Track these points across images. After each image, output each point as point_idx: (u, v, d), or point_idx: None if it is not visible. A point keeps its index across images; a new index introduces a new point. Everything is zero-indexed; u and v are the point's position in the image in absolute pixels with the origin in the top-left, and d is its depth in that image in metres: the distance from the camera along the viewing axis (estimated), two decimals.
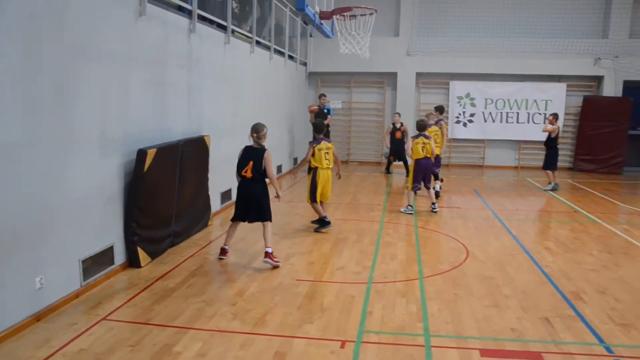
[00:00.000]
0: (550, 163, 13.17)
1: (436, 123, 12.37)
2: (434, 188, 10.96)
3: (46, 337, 4.66)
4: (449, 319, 5.30)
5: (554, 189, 13.07)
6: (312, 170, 8.55)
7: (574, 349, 4.69)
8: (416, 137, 10.11)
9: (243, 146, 7.02)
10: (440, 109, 12.66)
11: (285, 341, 4.76)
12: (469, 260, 7.23)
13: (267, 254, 6.76)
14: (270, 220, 6.94)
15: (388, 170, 15.67)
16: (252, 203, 6.86)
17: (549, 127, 13.16)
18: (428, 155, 10.01)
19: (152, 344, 4.60)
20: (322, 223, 8.67)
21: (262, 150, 6.81)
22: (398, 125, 14.93)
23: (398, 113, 15.35)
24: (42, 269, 5.04)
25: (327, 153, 8.54)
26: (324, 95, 15.47)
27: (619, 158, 16.68)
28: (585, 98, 16.91)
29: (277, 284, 6.18)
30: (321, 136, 8.62)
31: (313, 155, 8.46)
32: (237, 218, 7.00)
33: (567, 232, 8.95)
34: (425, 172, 10.11)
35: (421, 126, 10.15)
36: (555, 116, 13.34)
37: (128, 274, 6.37)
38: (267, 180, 6.91)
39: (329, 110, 14.94)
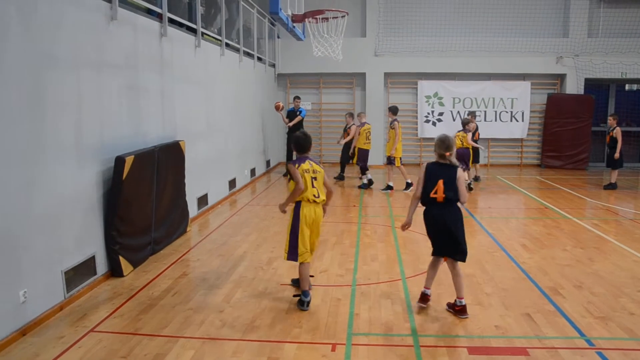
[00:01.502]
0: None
1: (390, 123, 12.61)
2: (369, 180, 13.36)
3: (34, 352, 4.59)
4: (434, 319, 5.40)
5: (476, 179, 14.28)
6: (294, 206, 5.75)
7: (557, 344, 4.84)
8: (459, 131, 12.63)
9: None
10: (393, 110, 12.91)
11: (276, 346, 4.78)
12: (448, 259, 7.32)
13: (460, 309, 5.46)
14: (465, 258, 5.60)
15: (341, 177, 14.62)
16: (449, 233, 5.45)
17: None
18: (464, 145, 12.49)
19: (144, 355, 4.57)
20: (299, 300, 5.72)
21: (454, 167, 5.47)
22: (348, 127, 14.23)
23: (350, 113, 14.62)
24: (25, 282, 4.95)
25: (315, 179, 5.69)
26: (299, 98, 15.41)
27: (584, 154, 17.15)
28: (549, 96, 17.34)
29: (262, 289, 6.19)
30: (306, 154, 5.82)
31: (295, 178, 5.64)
32: (439, 252, 5.64)
33: (540, 228, 9.19)
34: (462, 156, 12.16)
35: (462, 123, 12.98)
36: (471, 114, 14.21)
37: (111, 284, 6.30)
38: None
39: (301, 111, 14.90)
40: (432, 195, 5.41)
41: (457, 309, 5.47)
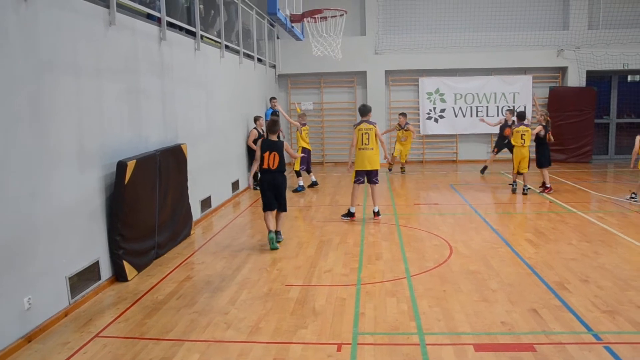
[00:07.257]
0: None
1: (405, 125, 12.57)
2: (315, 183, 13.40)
3: (40, 358, 4.59)
4: (440, 316, 5.37)
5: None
6: None
7: (564, 339, 4.80)
8: (517, 126, 11.99)
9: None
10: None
11: (282, 347, 4.77)
12: (453, 256, 7.33)
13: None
14: None
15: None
16: None
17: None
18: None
19: (149, 359, 4.56)
20: None
21: None
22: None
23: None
24: (29, 289, 4.95)
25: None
26: (275, 98, 15.37)
27: (587, 147, 17.08)
28: (551, 89, 17.27)
29: (267, 291, 6.18)
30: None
31: None
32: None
33: (545, 222, 9.15)
34: None
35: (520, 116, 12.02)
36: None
37: (116, 289, 6.29)
38: None
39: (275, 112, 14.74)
40: None
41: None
